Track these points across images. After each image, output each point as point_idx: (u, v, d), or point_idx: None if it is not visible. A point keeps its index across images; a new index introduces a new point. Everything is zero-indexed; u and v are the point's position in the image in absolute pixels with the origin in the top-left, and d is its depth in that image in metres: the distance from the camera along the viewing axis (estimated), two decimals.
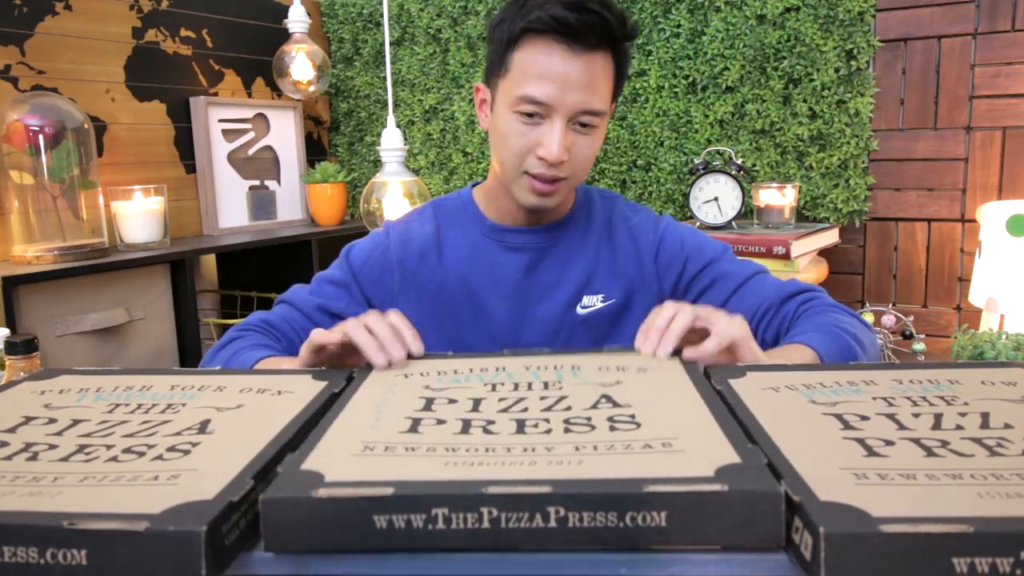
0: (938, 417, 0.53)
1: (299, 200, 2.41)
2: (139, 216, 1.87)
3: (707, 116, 1.95)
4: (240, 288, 2.25)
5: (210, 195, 2.16)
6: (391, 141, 1.79)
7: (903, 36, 1.76)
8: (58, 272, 1.62)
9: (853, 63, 1.78)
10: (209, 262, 2.29)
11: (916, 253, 1.82)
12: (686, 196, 1.82)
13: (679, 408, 0.54)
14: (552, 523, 0.40)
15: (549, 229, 1.01)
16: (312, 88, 2.32)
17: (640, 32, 2.00)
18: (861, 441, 0.49)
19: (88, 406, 0.60)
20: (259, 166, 2.31)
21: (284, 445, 0.50)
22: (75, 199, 1.75)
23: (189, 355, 1.90)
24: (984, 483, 0.42)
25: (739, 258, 1.03)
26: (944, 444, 0.48)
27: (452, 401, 0.58)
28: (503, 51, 0.91)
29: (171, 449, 0.50)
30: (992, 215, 1.56)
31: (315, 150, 2.55)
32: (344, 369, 0.70)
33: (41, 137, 1.67)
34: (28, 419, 0.57)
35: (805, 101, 1.84)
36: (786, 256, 1.58)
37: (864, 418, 0.53)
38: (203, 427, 0.54)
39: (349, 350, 0.71)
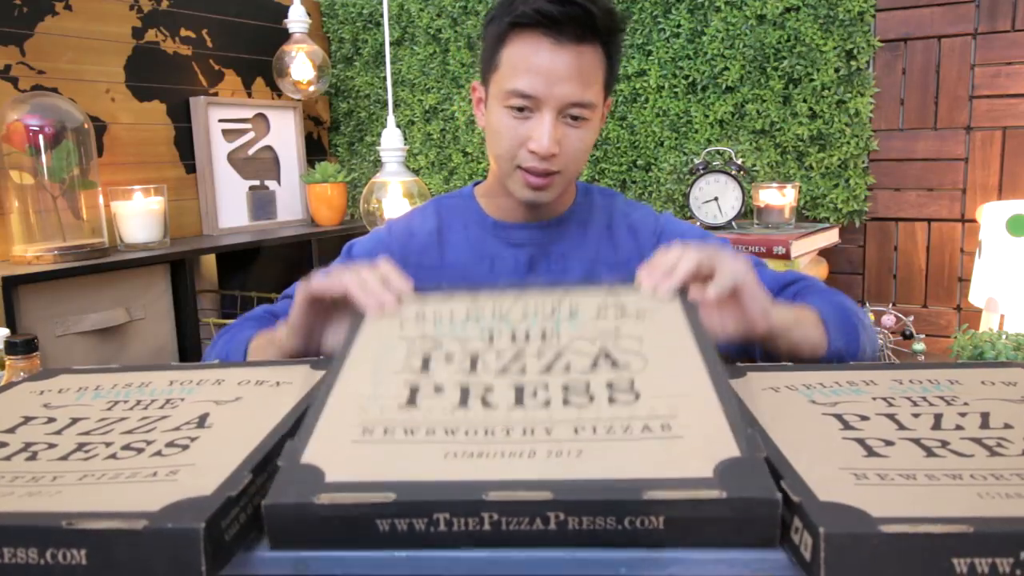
0: (938, 417, 0.53)
1: (299, 200, 2.41)
2: (139, 216, 1.87)
3: (707, 116, 1.95)
4: (240, 288, 2.25)
5: (210, 195, 2.16)
6: (391, 141, 1.79)
7: (903, 36, 1.76)
8: (58, 272, 1.62)
9: (853, 63, 1.78)
10: (209, 262, 2.29)
11: (916, 253, 1.82)
12: (686, 196, 1.82)
13: (678, 373, 0.54)
14: (552, 526, 0.41)
15: (550, 226, 1.01)
16: (312, 88, 2.32)
17: (640, 32, 2.00)
18: (861, 441, 0.49)
19: (87, 404, 0.60)
20: (259, 166, 2.30)
21: (283, 437, 0.50)
22: (75, 199, 1.75)
23: (189, 355, 1.90)
24: (984, 483, 0.42)
25: (737, 253, 1.03)
26: (944, 444, 0.48)
27: (449, 359, 0.57)
28: (494, 48, 0.93)
29: (170, 444, 0.50)
30: (992, 215, 1.56)
31: (315, 150, 2.55)
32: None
33: (41, 137, 1.67)
34: (27, 419, 0.57)
35: (805, 101, 1.84)
36: (786, 256, 1.58)
37: (864, 418, 0.53)
38: (201, 421, 0.54)
39: (341, 303, 0.71)
